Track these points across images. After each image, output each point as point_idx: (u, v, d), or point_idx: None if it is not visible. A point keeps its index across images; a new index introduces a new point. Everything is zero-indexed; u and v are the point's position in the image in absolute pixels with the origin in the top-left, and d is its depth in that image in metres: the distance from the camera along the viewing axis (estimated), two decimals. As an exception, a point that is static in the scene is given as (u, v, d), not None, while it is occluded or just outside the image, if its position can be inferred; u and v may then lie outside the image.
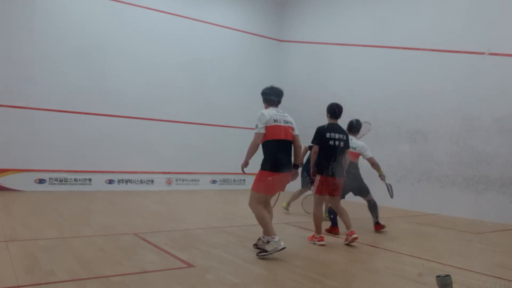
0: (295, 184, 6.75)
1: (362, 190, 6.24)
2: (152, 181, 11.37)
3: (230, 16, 13.11)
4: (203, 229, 5.75)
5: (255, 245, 4.67)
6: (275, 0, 14.17)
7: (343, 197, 6.19)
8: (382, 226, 6.10)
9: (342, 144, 5.15)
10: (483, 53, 8.41)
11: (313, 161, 5.17)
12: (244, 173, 4.59)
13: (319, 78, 12.40)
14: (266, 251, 4.24)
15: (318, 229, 5.12)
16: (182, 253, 4.34)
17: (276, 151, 4.41)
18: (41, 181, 9.77)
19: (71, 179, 10.13)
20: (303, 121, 12.78)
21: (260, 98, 4.71)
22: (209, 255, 4.35)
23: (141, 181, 11.19)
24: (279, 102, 4.66)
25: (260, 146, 4.49)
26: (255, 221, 4.59)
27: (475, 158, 8.47)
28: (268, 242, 4.27)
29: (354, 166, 6.18)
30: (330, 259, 4.41)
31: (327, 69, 12.14)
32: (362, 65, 11.12)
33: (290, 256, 4.44)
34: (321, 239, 5.07)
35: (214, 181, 12.59)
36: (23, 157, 9.58)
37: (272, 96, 4.62)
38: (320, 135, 5.13)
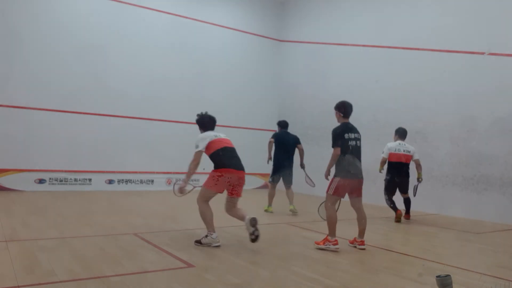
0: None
1: (405, 188, 7.49)
2: (152, 181, 11.37)
3: (229, 16, 13.09)
4: (203, 229, 5.72)
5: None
6: (275, 0, 14.17)
7: (394, 192, 7.47)
8: (408, 216, 7.46)
9: (359, 143, 5.01)
10: (483, 53, 8.41)
11: (332, 164, 4.98)
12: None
13: (319, 78, 12.38)
14: (200, 242, 4.77)
15: (332, 232, 4.80)
16: (182, 253, 4.35)
17: (225, 154, 4.93)
18: (41, 181, 9.77)
19: (71, 179, 10.13)
20: (303, 121, 12.90)
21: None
22: (209, 255, 4.35)
23: (141, 181, 11.19)
24: (214, 127, 5.42)
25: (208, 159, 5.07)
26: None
27: (475, 158, 8.47)
28: (206, 236, 4.78)
29: (407, 167, 7.40)
30: (330, 259, 4.41)
31: (327, 69, 12.12)
32: (362, 65, 11.11)
33: (290, 256, 4.44)
34: (336, 242, 4.76)
35: (214, 181, 12.56)
36: (23, 157, 9.57)
37: (208, 124, 5.57)
38: (340, 137, 4.90)
